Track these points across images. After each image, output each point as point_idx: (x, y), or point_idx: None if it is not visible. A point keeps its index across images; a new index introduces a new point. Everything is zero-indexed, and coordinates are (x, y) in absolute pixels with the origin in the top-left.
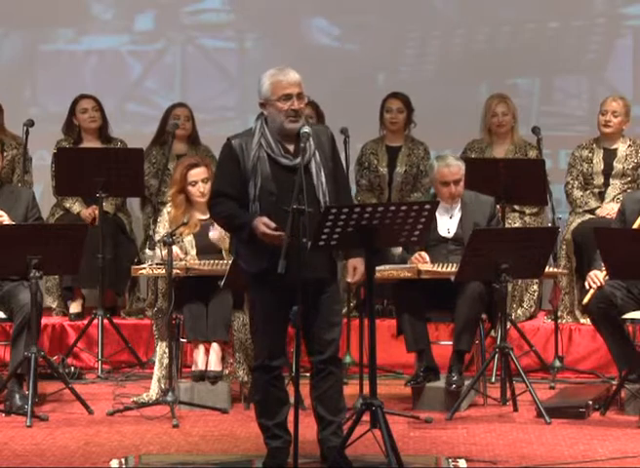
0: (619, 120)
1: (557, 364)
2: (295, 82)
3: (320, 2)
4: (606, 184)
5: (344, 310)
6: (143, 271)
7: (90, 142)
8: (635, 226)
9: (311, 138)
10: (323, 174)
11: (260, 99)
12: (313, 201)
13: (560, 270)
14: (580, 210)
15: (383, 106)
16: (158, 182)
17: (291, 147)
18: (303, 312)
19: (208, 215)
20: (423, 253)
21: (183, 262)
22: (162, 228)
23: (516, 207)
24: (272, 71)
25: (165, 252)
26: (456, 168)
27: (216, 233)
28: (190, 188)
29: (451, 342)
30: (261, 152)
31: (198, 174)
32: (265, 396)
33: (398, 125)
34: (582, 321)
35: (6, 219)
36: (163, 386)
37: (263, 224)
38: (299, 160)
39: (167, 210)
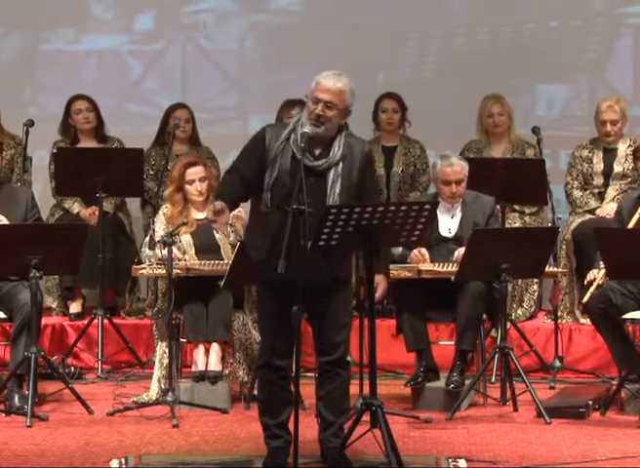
0: (618, 127)
1: (557, 364)
2: (329, 89)
3: (320, 2)
4: (606, 185)
5: None
6: (143, 271)
7: (86, 143)
8: (631, 225)
9: (341, 148)
10: (339, 185)
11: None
12: (322, 207)
13: (560, 270)
14: (580, 210)
15: (378, 107)
16: (157, 184)
17: (317, 149)
18: (312, 312)
19: (205, 214)
20: (423, 250)
21: (183, 262)
22: (159, 228)
23: (516, 207)
24: (325, 73)
25: (165, 251)
26: (458, 167)
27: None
28: (187, 187)
29: (451, 342)
30: (287, 146)
31: (196, 172)
32: (269, 395)
33: (394, 125)
34: (582, 321)
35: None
36: (163, 386)
37: (212, 206)
38: (318, 163)
39: (163, 211)
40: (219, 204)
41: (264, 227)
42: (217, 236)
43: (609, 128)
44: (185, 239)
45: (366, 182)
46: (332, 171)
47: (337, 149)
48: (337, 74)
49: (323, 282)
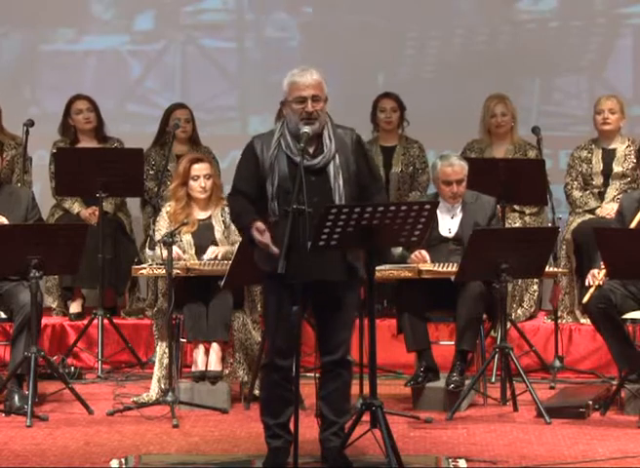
0: (616, 117)
1: (557, 364)
2: (310, 84)
3: (319, 2)
4: (605, 184)
5: None
6: (143, 271)
7: (86, 143)
8: (633, 226)
9: (333, 141)
10: (341, 177)
11: (282, 99)
12: (329, 203)
13: (560, 270)
14: (580, 210)
15: (376, 107)
16: (156, 184)
17: (310, 148)
18: (317, 310)
19: (207, 214)
20: (424, 252)
21: (183, 262)
22: (162, 226)
23: (516, 207)
24: (293, 71)
25: (165, 252)
26: (459, 167)
27: (209, 254)
28: (192, 183)
29: (451, 342)
30: (280, 152)
31: (201, 169)
32: (271, 395)
33: (392, 124)
34: (582, 321)
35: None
36: (163, 386)
37: (256, 230)
38: (316, 160)
39: (165, 210)
40: (260, 225)
41: (275, 236)
42: (217, 236)
43: (606, 114)
44: (186, 238)
45: (363, 170)
46: (331, 165)
47: (329, 143)
48: (305, 69)
49: (336, 276)
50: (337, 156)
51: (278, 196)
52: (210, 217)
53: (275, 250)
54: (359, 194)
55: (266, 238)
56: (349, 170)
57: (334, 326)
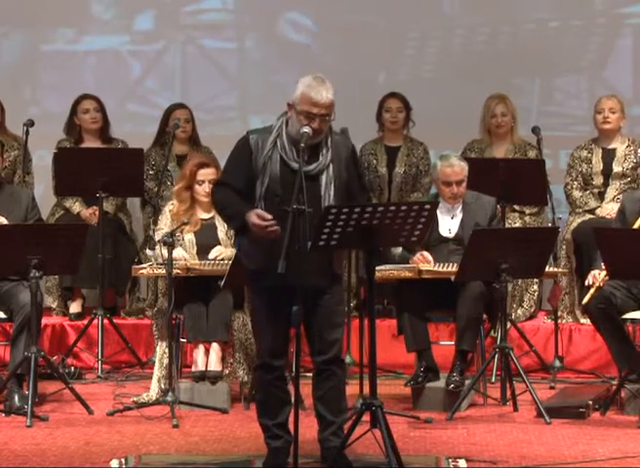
0: (616, 116)
1: (557, 364)
2: (324, 104)
3: (319, 2)
4: (605, 184)
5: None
6: (143, 271)
7: (91, 143)
8: (636, 226)
9: (330, 150)
10: (333, 187)
11: (290, 99)
12: (317, 210)
13: (560, 270)
14: (580, 210)
15: (382, 106)
16: (156, 184)
17: (306, 154)
18: (306, 312)
19: (210, 214)
20: (426, 253)
21: (183, 262)
22: (163, 225)
23: (516, 207)
24: (309, 81)
25: (165, 251)
26: (459, 168)
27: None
28: (197, 187)
29: (451, 342)
30: (275, 152)
31: (207, 173)
32: (267, 396)
33: (398, 124)
34: (582, 321)
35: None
36: (163, 386)
37: (256, 216)
38: (310, 167)
39: (168, 208)
40: (260, 211)
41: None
42: (220, 236)
43: (606, 113)
44: (188, 238)
45: (353, 178)
46: (324, 174)
47: (325, 152)
48: (321, 82)
49: (323, 282)
50: (330, 166)
51: (266, 197)
52: (213, 217)
53: (278, 229)
54: (347, 201)
55: (269, 221)
56: (341, 179)
57: (325, 326)
